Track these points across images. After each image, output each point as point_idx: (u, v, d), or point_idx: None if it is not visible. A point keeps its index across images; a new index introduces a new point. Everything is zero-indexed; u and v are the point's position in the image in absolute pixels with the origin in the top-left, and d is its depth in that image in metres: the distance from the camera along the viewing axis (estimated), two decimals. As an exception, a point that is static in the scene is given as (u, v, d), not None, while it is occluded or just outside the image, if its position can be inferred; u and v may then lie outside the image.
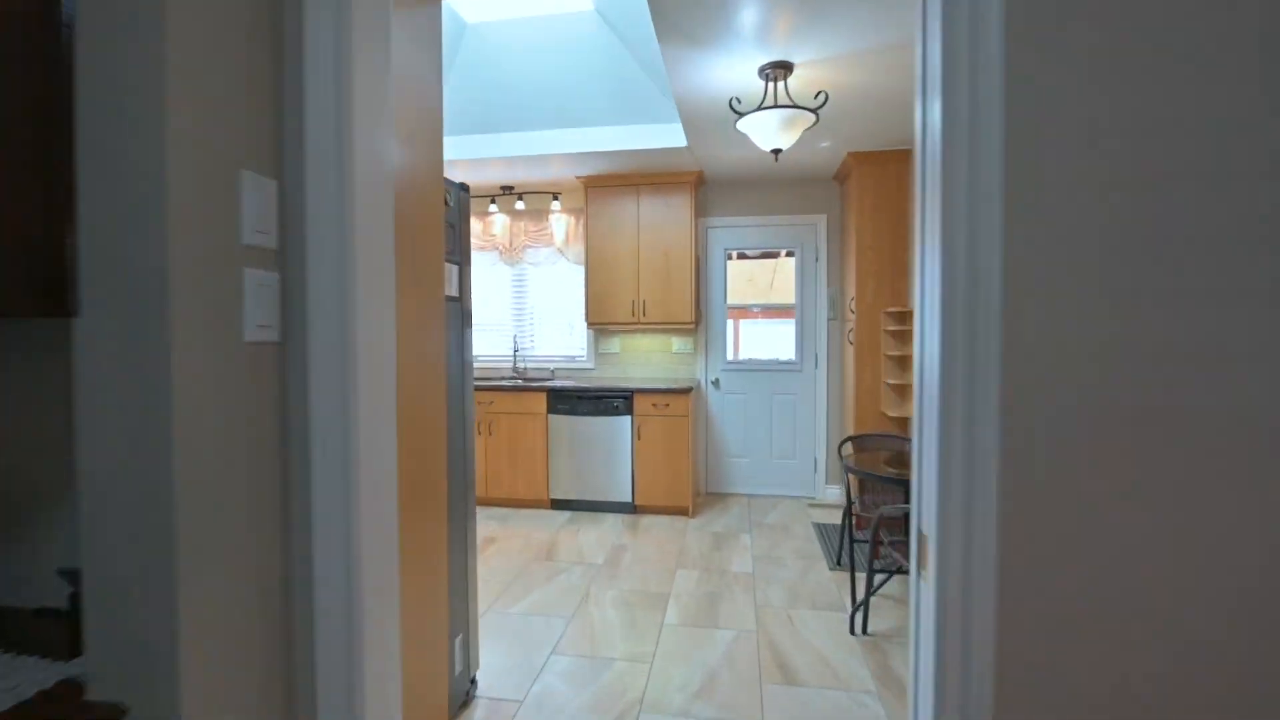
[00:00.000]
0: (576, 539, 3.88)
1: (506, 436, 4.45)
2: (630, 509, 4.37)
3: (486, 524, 4.18)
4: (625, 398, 4.28)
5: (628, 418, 4.28)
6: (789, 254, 4.81)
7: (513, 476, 4.46)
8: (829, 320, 4.65)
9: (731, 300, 4.81)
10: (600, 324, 4.64)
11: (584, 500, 4.41)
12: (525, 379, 4.94)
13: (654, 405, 4.24)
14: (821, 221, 4.65)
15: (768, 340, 4.90)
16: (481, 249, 4.99)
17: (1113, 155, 0.81)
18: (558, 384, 4.40)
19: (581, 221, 4.75)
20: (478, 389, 4.42)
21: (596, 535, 3.95)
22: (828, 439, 4.66)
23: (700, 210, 4.77)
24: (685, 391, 4.19)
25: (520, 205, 4.80)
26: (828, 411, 4.67)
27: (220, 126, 0.86)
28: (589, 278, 4.65)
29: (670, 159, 4.13)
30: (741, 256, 4.92)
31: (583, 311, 4.74)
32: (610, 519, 4.28)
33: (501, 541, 3.85)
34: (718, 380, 4.81)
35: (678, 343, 4.82)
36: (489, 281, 5.16)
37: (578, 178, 4.60)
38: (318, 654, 0.97)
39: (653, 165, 4.27)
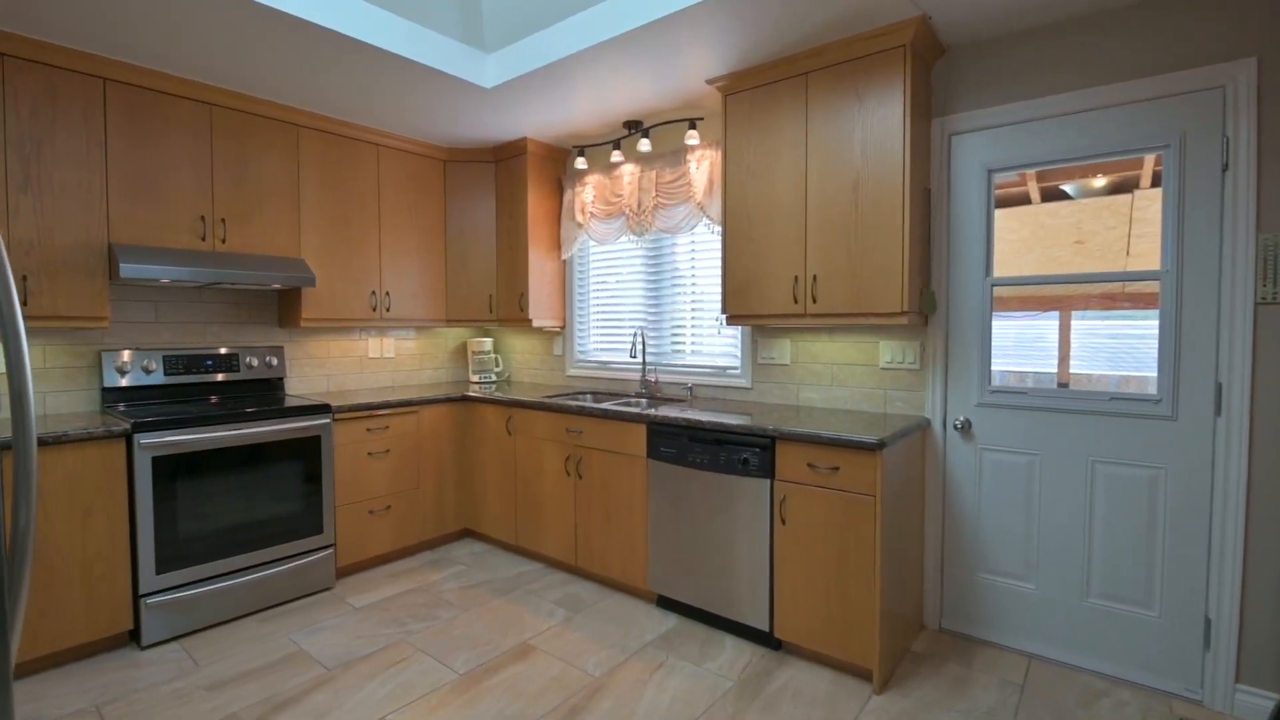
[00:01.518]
0: (654, 685, 2.25)
1: (599, 483, 3.02)
2: (766, 640, 2.52)
3: (550, 608, 2.83)
4: (760, 448, 2.44)
5: (765, 482, 2.44)
6: (1127, 177, 2.27)
7: (605, 544, 3.01)
8: (1257, 306, 2.00)
9: (1003, 272, 2.48)
10: (741, 317, 2.84)
11: (695, 607, 2.71)
12: (653, 396, 3.42)
13: (810, 466, 2.31)
14: (1242, 77, 2.01)
15: (1086, 350, 2.43)
16: (608, 215, 3.63)
17: None
18: (662, 414, 2.77)
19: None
20: (565, 410, 3.09)
21: (692, 685, 2.25)
22: (1244, 577, 2.03)
23: (931, 105, 2.56)
24: (871, 449, 2.16)
25: (646, 146, 3.28)
26: (1246, 512, 2.03)
27: None
28: (725, 243, 2.89)
29: (863, 5, 2.14)
30: (1027, 188, 2.54)
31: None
32: (730, 653, 2.51)
33: (537, 655, 2.44)
34: (966, 423, 2.55)
35: (890, 349, 2.71)
36: (620, 261, 3.77)
37: (710, 83, 2.87)
38: None
39: (833, 21, 2.32)
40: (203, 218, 2.94)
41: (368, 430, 3.26)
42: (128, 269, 2.57)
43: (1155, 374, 2.20)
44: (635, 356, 3.42)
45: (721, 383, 3.26)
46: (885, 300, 2.41)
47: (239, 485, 2.76)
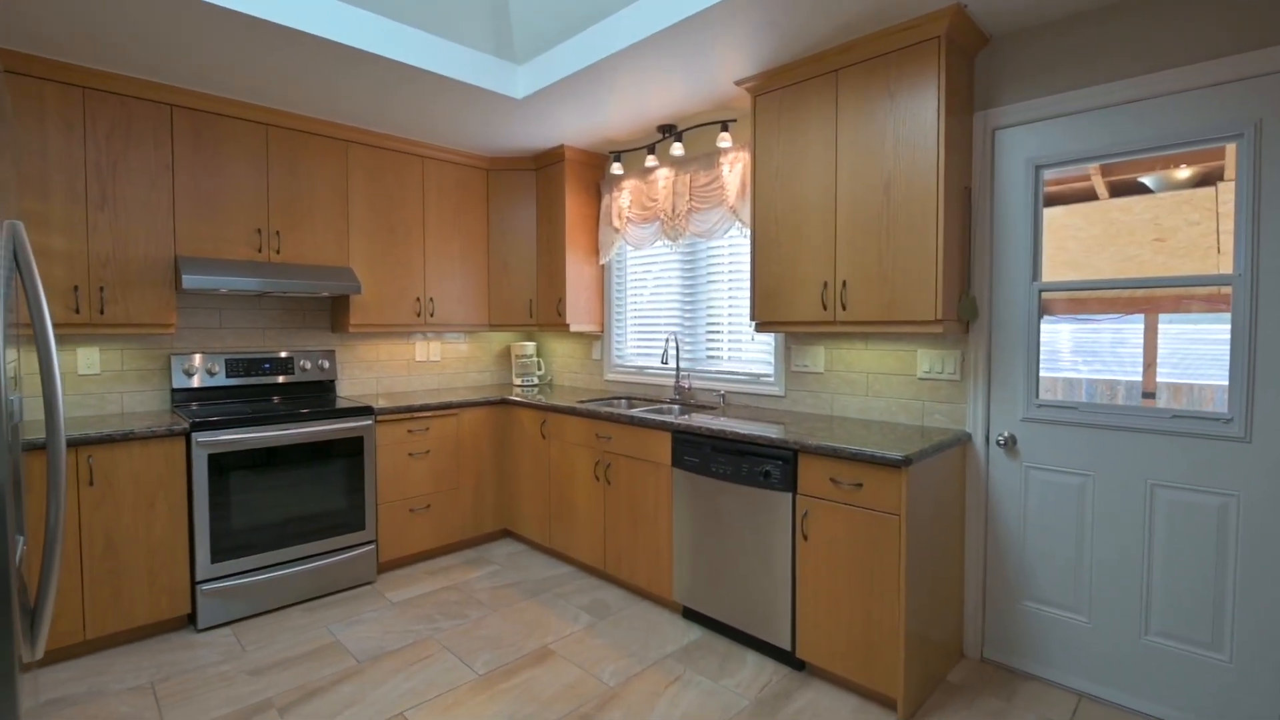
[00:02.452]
0: (667, 700, 2.24)
1: (626, 490, 3.03)
2: (789, 660, 2.45)
3: (576, 613, 2.86)
4: (782, 460, 2.37)
5: (786, 496, 2.37)
6: (1197, 169, 2.07)
7: (632, 551, 3.02)
8: (1346, 316, 1.78)
9: (1073, 273, 2.31)
10: (770, 324, 2.77)
11: (719, 621, 2.67)
12: (686, 402, 3.40)
13: (833, 482, 2.23)
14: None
15: (1175, 356, 2.23)
16: (644, 220, 3.63)
17: None
18: (685, 422, 2.75)
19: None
20: (594, 415, 3.11)
21: (706, 701, 2.22)
22: (1327, 630, 1.81)
23: (973, 99, 2.41)
24: (895, 466, 2.05)
25: (678, 150, 3.26)
26: (1330, 558, 1.80)
27: None
28: (754, 248, 2.83)
29: None
30: (1092, 183, 2.36)
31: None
32: (750, 670, 2.46)
33: (555, 660, 2.48)
34: (1011, 438, 2.38)
35: (928, 358, 2.57)
36: (656, 266, 3.77)
37: (739, 84, 2.82)
38: None
39: (863, 14, 2.23)
40: (259, 230, 3.15)
41: (409, 431, 3.39)
42: (190, 280, 2.79)
43: (1227, 382, 1.98)
44: (667, 362, 3.40)
45: (755, 390, 3.20)
46: (918, 308, 2.28)
47: (287, 481, 2.94)
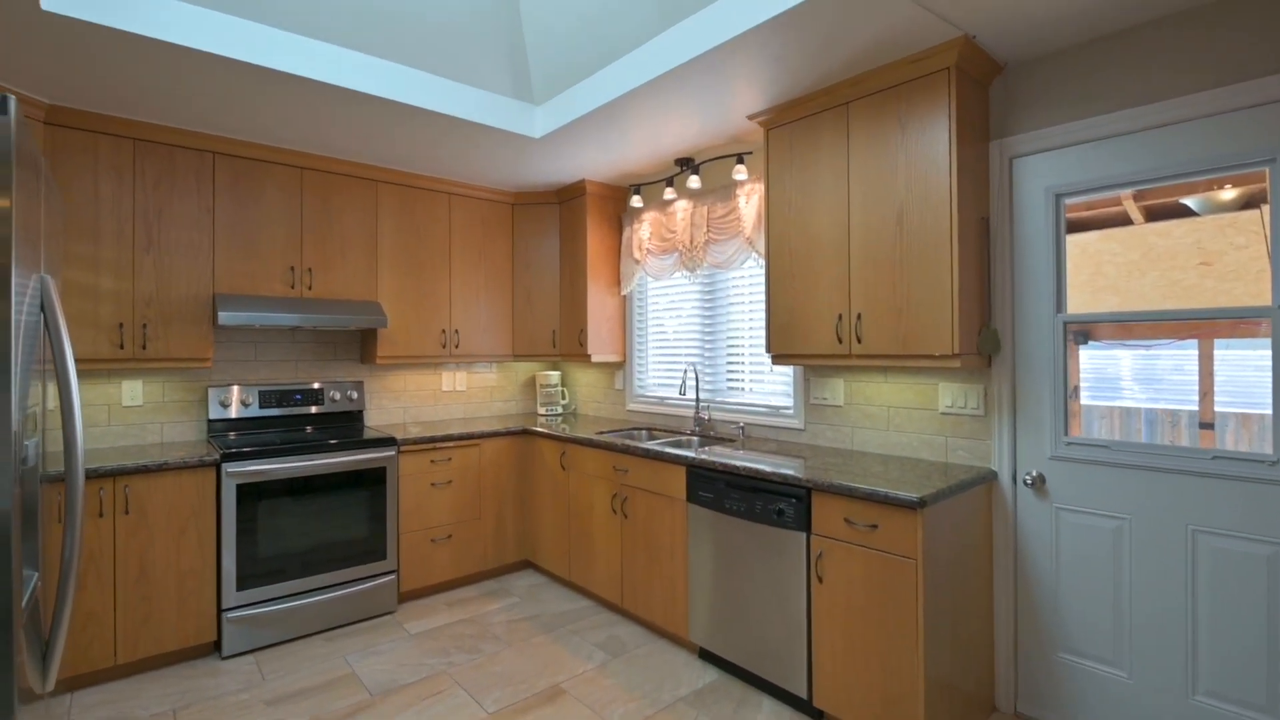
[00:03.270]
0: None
1: (643, 524, 3.01)
2: (805, 708, 2.37)
3: (590, 650, 2.84)
4: (796, 498, 2.33)
5: (801, 536, 2.32)
6: (1238, 191, 1.98)
7: (648, 588, 2.99)
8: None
9: (1094, 299, 2.23)
10: (786, 357, 2.75)
11: (734, 664, 2.60)
12: (706, 434, 3.38)
13: (848, 522, 2.17)
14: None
15: (1180, 387, 2.12)
16: (663, 251, 3.67)
17: None
18: (700, 457, 2.73)
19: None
20: (611, 447, 3.12)
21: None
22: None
23: (989, 127, 2.36)
24: (910, 507, 1.99)
25: (695, 183, 3.29)
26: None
27: None
28: (769, 280, 2.82)
29: (893, 24, 2.05)
30: (1124, 208, 2.28)
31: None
32: (764, 718, 2.38)
33: (566, 700, 2.46)
34: (1039, 477, 2.28)
35: (949, 393, 2.50)
36: (677, 296, 3.78)
37: (751, 118, 2.84)
38: None
39: (869, 48, 2.23)
40: (292, 267, 3.31)
41: (431, 462, 3.46)
42: (225, 316, 2.94)
43: (1270, 413, 1.85)
44: (685, 394, 3.39)
45: (774, 423, 3.15)
46: (934, 341, 2.23)
47: (312, 511, 3.03)
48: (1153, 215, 2.33)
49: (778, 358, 2.78)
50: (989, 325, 2.37)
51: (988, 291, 2.37)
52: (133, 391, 3.10)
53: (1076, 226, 2.29)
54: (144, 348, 2.89)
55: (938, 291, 2.22)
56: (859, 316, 2.45)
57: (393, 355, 3.64)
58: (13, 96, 1.15)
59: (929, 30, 2.08)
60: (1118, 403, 2.26)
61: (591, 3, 2.51)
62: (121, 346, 2.83)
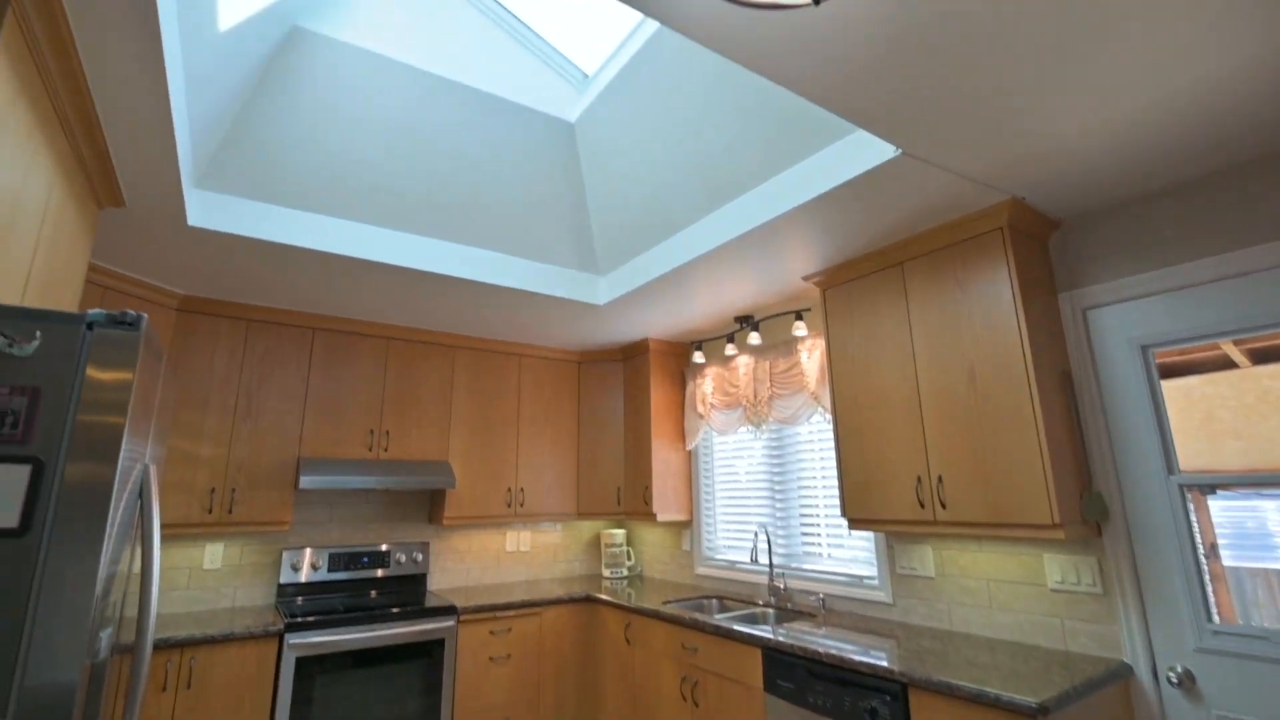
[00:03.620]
0: None
1: (717, 717, 2.70)
2: None
3: None
4: (890, 695, 2.04)
5: (898, 741, 2.00)
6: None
7: (720, 797, 2.61)
8: None
9: (1208, 449, 2.01)
10: (863, 522, 2.56)
11: None
12: (782, 607, 3.11)
13: (952, 726, 1.86)
14: None
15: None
16: (727, 406, 3.66)
17: None
18: (777, 638, 2.48)
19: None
20: (679, 621, 2.91)
21: None
22: None
23: (1055, 280, 2.32)
24: (1030, 715, 1.69)
25: (756, 339, 3.35)
26: None
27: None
28: (838, 439, 2.72)
29: (936, 195, 2.13)
30: (1224, 351, 2.13)
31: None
32: None
33: None
34: (1186, 674, 1.92)
35: (1057, 566, 2.22)
36: (744, 452, 3.70)
37: (806, 279, 2.93)
38: None
39: (915, 215, 2.31)
40: (371, 430, 3.49)
41: (490, 633, 3.32)
42: (306, 480, 3.08)
43: None
44: (757, 560, 3.18)
45: (858, 594, 2.87)
46: (1030, 509, 2.03)
47: (369, 683, 2.92)
48: (1259, 358, 2.14)
49: (854, 522, 2.60)
50: (1091, 489, 2.15)
51: (1083, 451, 2.18)
52: (214, 554, 3.21)
53: (1172, 371, 2.12)
54: (230, 511, 3.04)
55: (1025, 452, 2.06)
56: (939, 479, 2.28)
57: (459, 516, 3.66)
58: (145, 315, 1.33)
59: (975, 195, 2.13)
60: (1272, 564, 1.93)
61: (649, 185, 2.76)
62: (210, 511, 2.99)
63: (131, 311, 1.29)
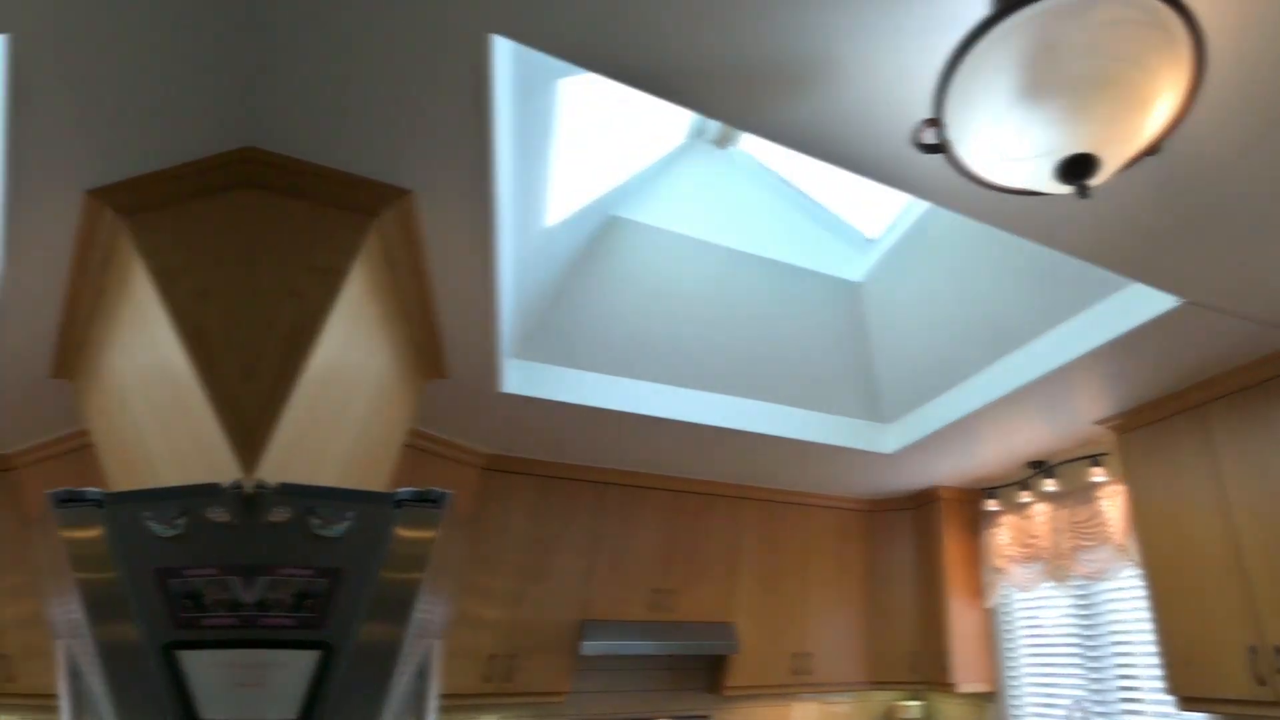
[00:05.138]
0: None
1: None
2: None
3: None
4: None
5: None
6: None
7: None
8: None
9: None
10: (1194, 701, 2.65)
11: None
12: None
13: None
14: None
15: None
16: (1025, 559, 3.86)
17: None
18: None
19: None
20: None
21: None
22: None
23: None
24: None
25: (1051, 486, 3.62)
26: None
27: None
28: (1151, 601, 2.87)
29: (1226, 341, 2.49)
30: None
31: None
32: None
33: None
34: None
35: None
36: (1051, 612, 3.78)
37: (1099, 424, 3.22)
38: None
39: (1211, 358, 2.63)
40: (655, 589, 4.12)
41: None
42: (589, 645, 3.48)
43: None
44: (1076, 736, 3.22)
45: (1215, 794, 2.78)
46: (1393, 688, 2.04)
47: None
48: None
49: (1185, 702, 2.66)
50: None
51: None
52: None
53: None
54: (508, 680, 3.35)
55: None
56: (1272, 648, 2.33)
57: (742, 685, 4.07)
58: (450, 493, 1.52)
59: (1269, 336, 2.36)
60: None
61: (935, 336, 3.45)
62: (488, 679, 3.27)
63: (436, 489, 1.46)
